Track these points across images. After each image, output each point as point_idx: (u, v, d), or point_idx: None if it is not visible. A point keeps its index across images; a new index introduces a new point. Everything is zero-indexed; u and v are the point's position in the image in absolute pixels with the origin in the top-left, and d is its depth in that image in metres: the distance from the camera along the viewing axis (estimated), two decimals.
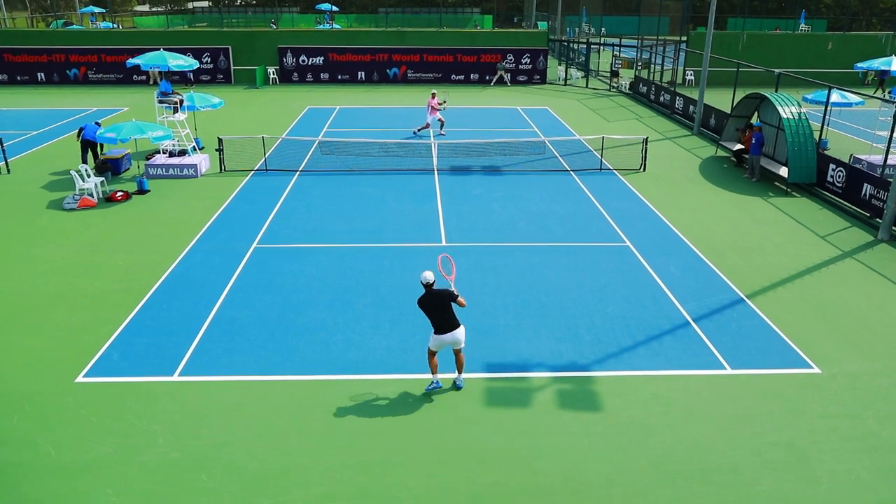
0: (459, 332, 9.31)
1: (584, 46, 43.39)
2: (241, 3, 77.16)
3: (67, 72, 38.31)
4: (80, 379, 9.84)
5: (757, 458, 8.28)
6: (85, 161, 19.98)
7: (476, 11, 68.47)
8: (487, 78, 39.90)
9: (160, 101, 20.95)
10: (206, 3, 72.26)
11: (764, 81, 29.70)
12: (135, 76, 38.11)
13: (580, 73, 42.49)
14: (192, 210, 17.23)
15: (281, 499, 7.60)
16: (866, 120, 27.74)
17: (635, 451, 8.42)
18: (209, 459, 8.21)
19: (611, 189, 19.29)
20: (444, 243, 15.08)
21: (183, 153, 21.07)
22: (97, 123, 20.80)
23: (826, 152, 20.71)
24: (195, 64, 21.94)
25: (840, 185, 18.33)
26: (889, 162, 17.68)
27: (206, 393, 9.52)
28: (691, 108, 28.41)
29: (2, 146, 20.62)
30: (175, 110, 20.86)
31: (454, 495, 7.69)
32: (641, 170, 21.26)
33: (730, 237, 15.63)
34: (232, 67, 38.97)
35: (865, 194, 17.21)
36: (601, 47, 48.12)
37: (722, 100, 27.01)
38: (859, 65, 25.89)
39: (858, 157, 20.88)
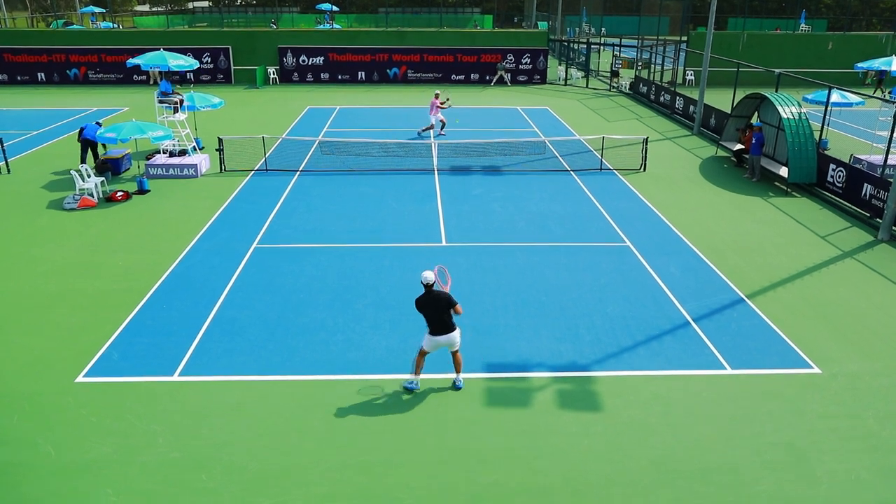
0: (454, 336, 9.31)
1: (585, 46, 43.39)
2: (241, 3, 77.18)
3: (67, 72, 38.32)
4: (80, 379, 9.84)
5: (757, 458, 8.28)
6: (84, 161, 19.97)
7: (476, 11, 68.47)
8: (487, 78, 39.91)
9: (160, 101, 20.95)
10: (207, 3, 72.28)
11: (764, 81, 29.70)
12: (135, 76, 38.11)
13: (580, 73, 42.49)
14: (193, 210, 17.24)
15: (281, 499, 7.60)
16: (866, 120, 27.74)
17: (635, 451, 8.42)
18: (209, 459, 8.21)
19: (611, 189, 19.29)
20: (444, 243, 15.09)
21: (183, 153, 21.08)
22: (98, 123, 20.81)
23: (826, 152, 20.71)
24: (195, 64, 21.94)
25: (840, 185, 18.33)
26: (889, 162, 17.67)
27: (206, 393, 9.52)
28: (691, 108, 28.41)
29: (2, 146, 20.62)
30: (175, 110, 20.86)
31: (454, 495, 7.69)
32: (641, 170, 21.26)
33: (730, 237, 15.63)
34: (232, 67, 38.97)
35: (865, 194, 17.21)
36: (601, 47, 48.14)
37: (722, 100, 27.01)
38: (859, 65, 25.90)
39: (858, 157, 20.88)
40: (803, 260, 14.41)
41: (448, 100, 26.19)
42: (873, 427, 8.91)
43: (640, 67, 41.06)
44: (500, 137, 25.14)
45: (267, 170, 20.82)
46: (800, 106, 19.68)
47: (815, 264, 14.19)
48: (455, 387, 9.67)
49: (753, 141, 20.04)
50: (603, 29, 57.24)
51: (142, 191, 18.68)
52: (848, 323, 11.69)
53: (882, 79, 34.32)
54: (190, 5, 72.57)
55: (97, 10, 57.64)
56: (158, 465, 8.10)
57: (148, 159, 20.87)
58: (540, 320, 11.60)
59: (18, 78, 38.24)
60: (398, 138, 24.59)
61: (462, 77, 39.99)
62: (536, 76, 40.27)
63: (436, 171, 20.78)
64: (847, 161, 19.50)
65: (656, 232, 15.93)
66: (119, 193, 18.09)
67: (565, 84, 40.60)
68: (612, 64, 42.35)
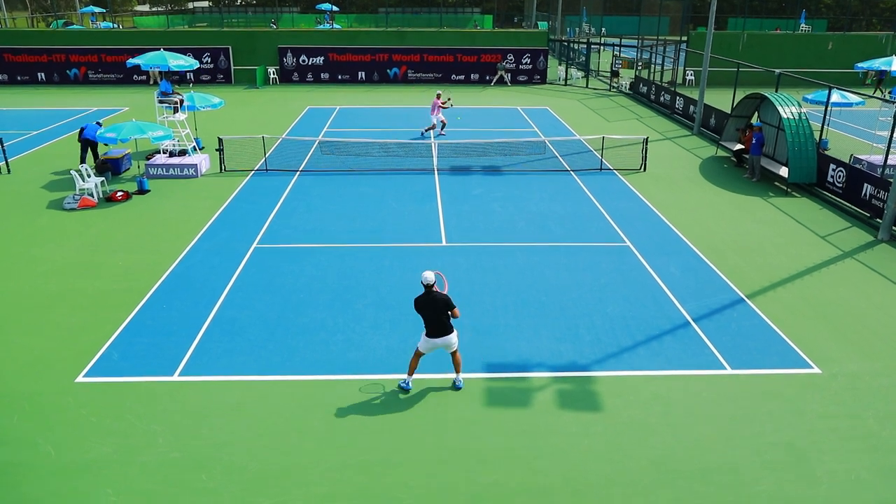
0: (450, 338, 9.31)
1: (585, 46, 43.39)
2: (241, 3, 77.18)
3: (68, 72, 38.32)
4: (80, 379, 9.84)
5: (757, 458, 8.28)
6: (83, 160, 19.98)
7: (476, 11, 68.47)
8: (488, 78, 39.91)
9: (160, 101, 20.95)
10: (207, 3, 72.28)
11: (764, 81, 29.69)
12: (135, 76, 38.12)
13: (580, 73, 42.49)
14: (193, 210, 17.24)
15: (281, 499, 7.60)
16: (866, 120, 27.73)
17: (635, 451, 8.42)
18: (209, 459, 8.21)
19: (611, 189, 19.29)
20: (444, 243, 15.09)
21: (183, 153, 21.08)
22: (98, 123, 20.81)
23: (826, 152, 20.71)
24: (195, 64, 21.94)
25: (840, 185, 18.33)
26: (889, 162, 17.66)
27: (206, 393, 9.52)
28: (691, 108, 28.41)
29: (2, 146, 20.62)
30: (175, 110, 20.86)
31: (454, 495, 7.69)
32: (641, 170, 21.26)
33: (730, 237, 15.63)
34: (232, 67, 38.97)
35: (865, 194, 17.21)
36: (601, 47, 48.14)
37: (722, 100, 27.01)
38: (859, 65, 25.90)
39: (858, 157, 20.87)
40: (803, 260, 14.41)
41: (449, 100, 26.19)
42: (873, 427, 8.91)
43: (640, 67, 41.06)
44: (500, 137, 25.14)
45: (267, 170, 20.82)
46: (800, 106, 19.68)
47: (815, 264, 14.20)
48: (455, 387, 9.67)
49: (753, 141, 20.04)
50: (603, 29, 57.24)
51: (142, 191, 18.68)
52: (848, 323, 11.69)
53: (882, 79, 34.33)
54: (190, 5, 72.58)
55: (97, 10, 57.64)
56: (158, 465, 8.10)
57: (148, 159, 20.87)
58: (540, 320, 11.60)
59: (18, 78, 38.24)
60: (398, 138, 24.58)
61: (462, 77, 39.99)
62: (536, 76, 40.27)
63: (436, 171, 20.78)
64: (847, 161, 19.50)
65: (656, 232, 15.93)
66: (119, 193, 18.09)
67: (565, 84, 40.60)
68: (612, 64, 42.35)
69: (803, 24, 53.14)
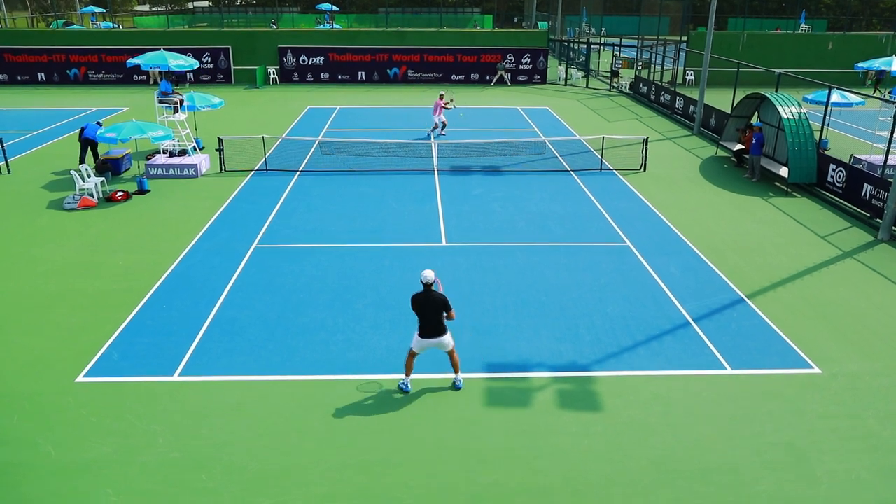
0: (444, 339, 9.28)
1: (585, 46, 43.40)
2: (241, 3, 77.19)
3: (67, 72, 38.32)
4: (80, 379, 9.84)
5: (757, 458, 8.28)
6: (83, 160, 19.98)
7: (476, 11, 68.48)
8: (488, 78, 39.91)
9: (160, 101, 20.95)
10: (207, 3, 72.29)
11: (764, 81, 29.70)
12: (135, 76, 38.12)
13: (580, 73, 42.50)
14: (193, 210, 17.24)
15: (281, 499, 7.60)
16: (866, 120, 27.74)
17: (635, 451, 8.42)
18: (209, 459, 8.21)
19: (611, 189, 19.29)
20: (444, 243, 15.09)
21: (183, 153, 21.08)
22: (98, 123, 20.81)
23: (826, 152, 20.71)
24: (195, 64, 21.94)
25: (840, 185, 18.33)
26: (889, 162, 17.67)
27: (206, 393, 9.52)
28: (691, 108, 28.41)
29: (2, 146, 20.63)
30: (175, 110, 20.86)
31: (454, 495, 7.69)
32: (642, 170, 21.26)
33: (730, 237, 15.63)
34: (232, 67, 38.97)
35: (866, 194, 17.21)
36: (601, 47, 48.15)
37: (722, 100, 27.01)
38: (859, 65, 25.91)
39: (859, 157, 20.88)
40: (803, 260, 14.41)
41: (452, 100, 26.18)
42: (873, 427, 8.91)
43: (640, 67, 41.06)
44: (500, 137, 25.14)
45: (267, 170, 20.82)
46: (800, 106, 19.69)
47: (815, 264, 14.19)
48: (455, 387, 9.67)
49: (753, 141, 20.04)
50: (603, 29, 57.24)
51: (142, 191, 18.68)
52: (848, 323, 11.69)
53: (881, 79, 34.33)
54: (190, 5, 72.59)
55: (97, 10, 57.65)
56: (158, 465, 8.10)
57: (148, 159, 20.87)
58: (540, 320, 11.60)
59: (18, 78, 38.25)
60: (398, 138, 24.58)
61: (462, 77, 40.00)
62: (536, 76, 40.27)
63: (436, 171, 20.78)
64: (847, 161, 19.51)
65: (656, 232, 15.93)
66: (119, 193, 18.09)
67: (565, 84, 40.60)
68: (612, 64, 42.35)
69: (803, 24, 53.14)
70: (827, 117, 20.81)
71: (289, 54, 39.07)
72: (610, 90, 39.00)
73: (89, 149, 20.50)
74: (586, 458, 8.28)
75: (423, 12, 63.09)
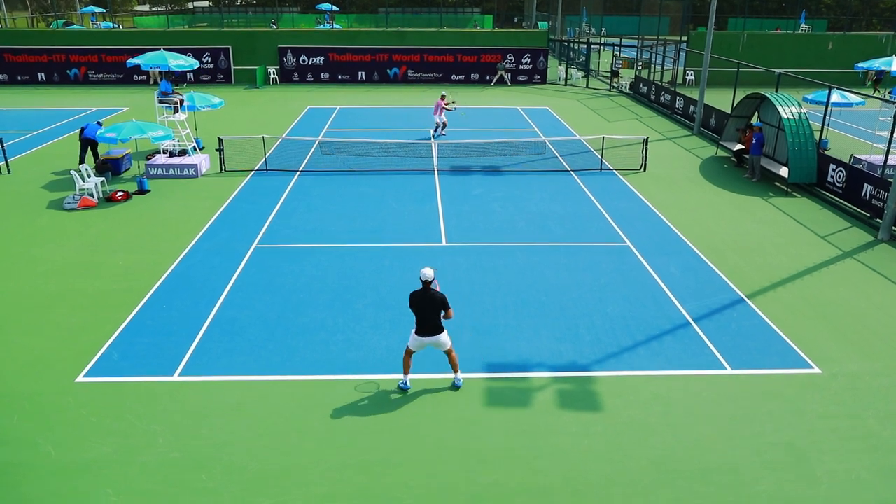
0: (441, 338, 9.28)
1: (585, 46, 43.39)
2: (241, 3, 77.19)
3: (68, 72, 38.33)
4: (80, 379, 9.84)
5: (757, 458, 8.28)
6: (83, 160, 19.98)
7: (476, 11, 68.48)
8: (488, 78, 39.91)
9: (160, 101, 20.95)
10: (207, 3, 72.29)
11: (764, 81, 29.69)
12: (135, 76, 38.12)
13: (580, 73, 42.49)
14: (193, 210, 17.24)
15: (281, 499, 7.60)
16: (866, 120, 27.74)
17: (635, 451, 8.42)
18: (209, 459, 8.21)
19: (611, 189, 19.29)
20: (444, 243, 15.09)
21: (183, 153, 21.08)
22: (98, 123, 20.81)
23: (826, 152, 20.71)
24: (195, 64, 21.94)
25: (840, 185, 18.33)
26: (889, 162, 17.67)
27: (206, 393, 9.52)
28: (691, 108, 28.41)
29: (2, 146, 20.62)
30: (175, 110, 20.86)
31: (454, 495, 7.69)
32: (642, 170, 21.26)
33: (730, 237, 15.63)
34: (232, 67, 38.97)
35: (866, 194, 17.21)
36: (601, 47, 48.14)
37: (722, 100, 27.01)
38: (860, 65, 25.90)
39: (859, 157, 20.88)
40: (803, 260, 14.41)
41: (454, 102, 26.16)
42: (873, 427, 8.91)
43: (640, 67, 41.06)
44: (500, 137, 25.14)
45: (267, 170, 20.82)
46: (800, 106, 19.69)
47: (815, 264, 14.19)
48: (454, 386, 9.67)
49: (753, 141, 20.04)
50: (603, 29, 57.24)
51: (142, 191, 18.68)
52: (848, 323, 11.69)
53: (880, 78, 34.32)
54: (190, 5, 72.60)
55: (97, 10, 57.66)
56: (158, 465, 8.10)
57: (148, 159, 20.87)
58: (540, 320, 11.60)
59: (18, 78, 38.25)
60: (398, 138, 24.58)
61: (462, 77, 39.99)
62: (536, 76, 40.27)
63: (436, 171, 20.78)
64: (847, 161, 19.50)
65: (656, 232, 15.93)
66: (119, 193, 18.09)
67: (565, 84, 40.60)
68: (612, 64, 42.35)
69: (803, 24, 53.14)
70: (827, 117, 20.81)
71: (289, 54, 39.07)
72: (610, 90, 39.00)
73: (89, 149, 20.51)
74: (586, 458, 8.28)
75: (423, 12, 63.10)
